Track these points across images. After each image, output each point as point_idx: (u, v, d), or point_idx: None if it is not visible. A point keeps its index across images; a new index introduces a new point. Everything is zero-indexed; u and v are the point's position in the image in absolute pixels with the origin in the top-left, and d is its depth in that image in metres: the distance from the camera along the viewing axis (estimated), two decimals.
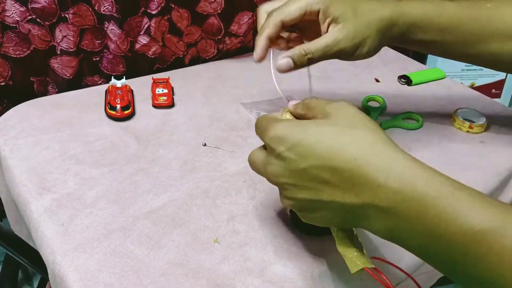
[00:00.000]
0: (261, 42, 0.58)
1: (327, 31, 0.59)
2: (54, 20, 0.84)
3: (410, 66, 1.06)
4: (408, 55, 1.12)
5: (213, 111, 0.86)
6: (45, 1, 0.81)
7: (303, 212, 0.46)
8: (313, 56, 0.58)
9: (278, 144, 0.42)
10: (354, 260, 0.45)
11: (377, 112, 0.87)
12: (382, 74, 1.02)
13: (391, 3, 0.62)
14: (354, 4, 0.59)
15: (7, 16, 0.81)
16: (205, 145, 0.77)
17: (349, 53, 0.60)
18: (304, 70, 0.63)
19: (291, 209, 0.63)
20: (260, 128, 0.46)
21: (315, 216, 0.45)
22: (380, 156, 0.40)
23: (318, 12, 0.58)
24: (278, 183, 0.45)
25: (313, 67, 0.63)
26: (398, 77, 1.00)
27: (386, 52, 1.12)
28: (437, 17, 0.63)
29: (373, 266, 0.45)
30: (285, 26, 0.59)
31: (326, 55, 0.58)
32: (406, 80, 0.99)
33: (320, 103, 0.45)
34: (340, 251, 0.47)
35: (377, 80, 1.00)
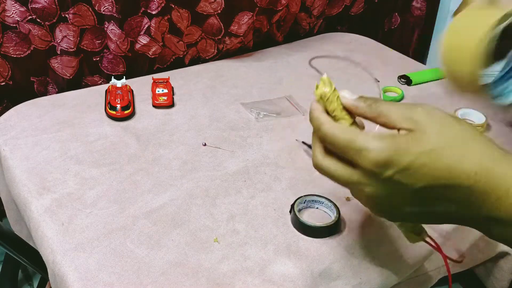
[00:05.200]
0: None
1: None
2: (54, 20, 0.84)
3: (410, 66, 1.06)
4: (408, 55, 1.12)
5: (213, 111, 0.86)
6: (45, 1, 0.81)
7: (403, 221, 0.47)
8: None
9: (384, 168, 0.39)
10: (409, 233, 0.50)
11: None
12: (382, 74, 1.02)
13: None
14: None
15: (7, 16, 0.81)
16: (205, 145, 0.77)
17: None
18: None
19: (291, 209, 0.64)
20: (340, 142, 0.41)
21: (417, 220, 0.45)
22: (498, 166, 0.38)
23: None
24: (375, 204, 0.42)
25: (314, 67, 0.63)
26: (398, 77, 1.00)
27: (386, 52, 1.12)
28: None
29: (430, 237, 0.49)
30: None
31: None
32: (406, 80, 0.99)
33: (399, 109, 0.41)
34: (398, 226, 0.50)
35: (376, 80, 1.00)
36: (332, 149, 0.42)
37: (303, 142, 0.76)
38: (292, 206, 0.63)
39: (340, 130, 0.42)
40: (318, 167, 0.44)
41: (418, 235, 0.49)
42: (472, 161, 0.38)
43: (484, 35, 0.52)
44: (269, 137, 0.80)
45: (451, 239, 0.71)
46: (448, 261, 0.50)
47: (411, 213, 0.41)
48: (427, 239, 0.49)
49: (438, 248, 0.48)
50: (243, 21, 0.98)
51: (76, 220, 0.62)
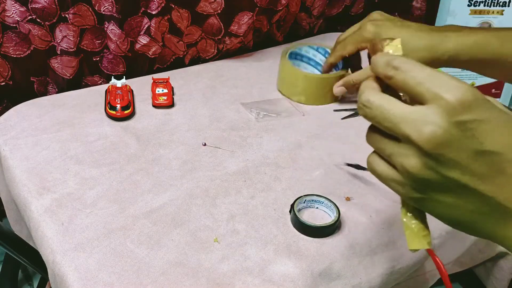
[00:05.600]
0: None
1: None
2: (54, 20, 0.84)
3: None
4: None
5: (213, 111, 0.86)
6: (45, 1, 0.81)
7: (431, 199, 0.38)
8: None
9: (465, 109, 0.34)
10: (414, 236, 0.42)
11: None
12: None
13: (432, 34, 0.65)
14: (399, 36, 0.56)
15: (7, 16, 0.81)
16: (205, 145, 0.77)
17: None
18: None
19: (291, 209, 0.64)
20: (420, 74, 0.35)
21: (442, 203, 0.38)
22: None
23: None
24: (435, 146, 0.34)
25: None
26: None
27: None
28: (480, 53, 0.64)
29: (430, 248, 0.42)
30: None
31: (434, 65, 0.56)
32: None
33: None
34: (404, 223, 0.43)
35: None
36: (400, 84, 0.36)
37: (348, 164, 0.75)
38: (292, 206, 0.63)
39: (419, 67, 0.36)
40: (370, 104, 0.36)
41: (424, 239, 0.44)
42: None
43: None
44: (269, 137, 0.80)
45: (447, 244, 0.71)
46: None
47: (456, 183, 0.35)
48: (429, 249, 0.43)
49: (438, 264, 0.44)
50: (243, 21, 0.98)
51: (76, 220, 0.62)
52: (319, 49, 0.94)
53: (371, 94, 0.37)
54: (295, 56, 0.94)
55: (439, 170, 0.35)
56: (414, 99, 0.35)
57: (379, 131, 0.37)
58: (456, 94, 0.33)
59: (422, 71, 0.35)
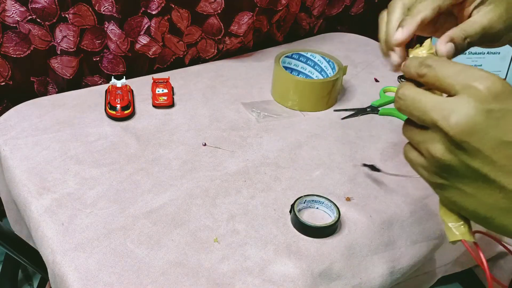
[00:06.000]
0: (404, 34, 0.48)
1: (470, 15, 0.51)
2: (54, 20, 0.84)
3: None
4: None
5: (213, 111, 0.86)
6: (45, 1, 0.81)
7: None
8: (472, 40, 0.50)
9: (494, 98, 0.35)
10: (453, 229, 0.43)
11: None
12: (382, 74, 1.02)
13: None
14: None
15: (7, 16, 0.81)
16: (205, 145, 0.77)
17: (499, 36, 0.52)
18: None
19: (291, 209, 0.64)
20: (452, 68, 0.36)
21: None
22: None
23: None
24: (465, 128, 0.35)
25: None
26: (398, 77, 1.00)
27: None
28: None
29: (474, 240, 0.42)
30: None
31: (482, 38, 0.51)
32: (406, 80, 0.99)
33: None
34: (442, 217, 0.44)
35: (376, 80, 1.00)
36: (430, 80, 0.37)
37: (365, 165, 0.74)
38: (292, 206, 0.63)
39: (449, 63, 0.37)
40: (405, 96, 0.39)
41: (466, 230, 0.43)
42: None
43: None
44: (269, 137, 0.80)
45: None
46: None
47: (477, 172, 0.36)
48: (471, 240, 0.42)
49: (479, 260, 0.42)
50: (243, 21, 0.98)
51: (76, 220, 0.62)
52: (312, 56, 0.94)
53: (406, 88, 0.39)
54: (298, 57, 0.94)
55: (461, 157, 0.36)
56: (446, 94, 0.37)
57: (412, 123, 0.39)
58: (485, 84, 0.34)
59: (453, 66, 0.37)
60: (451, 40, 0.47)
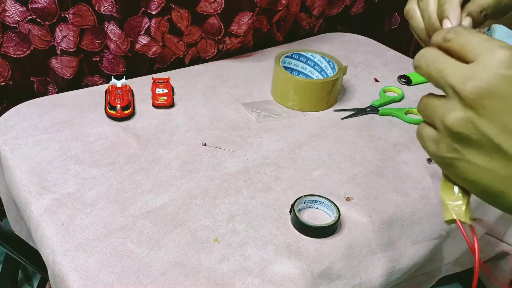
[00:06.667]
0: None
1: None
2: (54, 20, 0.84)
3: (410, 66, 1.06)
4: (408, 55, 1.12)
5: (213, 111, 0.86)
6: (45, 1, 0.81)
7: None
8: (487, 12, 0.50)
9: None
10: (450, 208, 0.41)
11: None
12: (382, 74, 1.02)
13: None
14: None
15: (7, 16, 0.81)
16: (205, 145, 0.77)
17: (509, 8, 0.51)
18: None
19: (291, 209, 0.64)
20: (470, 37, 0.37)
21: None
22: None
23: None
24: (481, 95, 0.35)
25: None
26: (398, 77, 1.00)
27: (386, 52, 1.12)
28: None
29: (470, 223, 0.41)
30: None
31: (495, 10, 0.50)
32: (406, 80, 0.99)
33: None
34: (442, 196, 0.42)
35: (376, 80, 1.00)
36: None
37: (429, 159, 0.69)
38: (292, 206, 0.63)
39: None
40: (426, 56, 0.39)
41: (464, 211, 0.42)
42: None
43: None
44: (269, 137, 0.80)
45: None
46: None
47: (491, 142, 0.35)
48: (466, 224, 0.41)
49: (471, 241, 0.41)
50: (243, 21, 0.98)
51: (76, 220, 0.62)
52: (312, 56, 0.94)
53: (429, 49, 0.39)
54: (298, 57, 0.94)
55: (476, 123, 0.35)
56: (468, 61, 0.36)
57: (430, 96, 0.39)
58: (507, 50, 0.34)
59: (479, 35, 0.37)
60: (469, 15, 0.48)
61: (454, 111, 0.36)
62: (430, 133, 0.39)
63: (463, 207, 0.41)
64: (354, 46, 1.13)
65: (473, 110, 0.35)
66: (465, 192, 0.41)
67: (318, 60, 0.93)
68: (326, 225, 0.61)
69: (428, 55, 0.38)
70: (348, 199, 0.68)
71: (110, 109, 0.81)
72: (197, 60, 1.03)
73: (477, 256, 0.39)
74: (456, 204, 0.41)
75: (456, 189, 0.42)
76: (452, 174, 0.40)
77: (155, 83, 0.89)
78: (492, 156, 0.36)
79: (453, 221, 0.41)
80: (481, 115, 0.35)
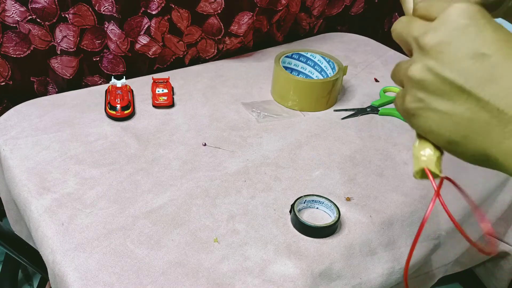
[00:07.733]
0: None
1: None
2: (54, 20, 0.84)
3: None
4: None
5: (213, 111, 0.86)
6: (45, 1, 0.81)
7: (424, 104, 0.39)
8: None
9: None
10: (419, 158, 0.41)
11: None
12: (382, 74, 1.02)
13: None
14: None
15: (7, 16, 0.81)
16: (205, 145, 0.77)
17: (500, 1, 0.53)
18: None
19: (291, 209, 0.64)
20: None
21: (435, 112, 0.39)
22: None
23: None
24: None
25: None
26: None
27: (386, 52, 1.12)
28: None
29: (440, 174, 0.41)
30: None
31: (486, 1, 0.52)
32: None
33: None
34: (413, 151, 0.42)
35: (376, 80, 1.00)
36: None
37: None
38: (292, 206, 0.63)
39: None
40: (400, 21, 0.42)
41: (434, 161, 0.41)
42: None
43: None
44: (269, 137, 0.80)
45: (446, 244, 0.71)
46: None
47: (453, 85, 0.37)
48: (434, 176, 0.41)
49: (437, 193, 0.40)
50: (243, 21, 0.98)
51: (76, 220, 0.62)
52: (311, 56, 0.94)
53: (404, 16, 0.43)
54: (298, 57, 0.94)
55: (437, 70, 0.37)
56: (433, 20, 0.39)
57: (398, 63, 0.42)
58: (461, 4, 0.37)
59: (440, 1, 0.40)
60: None
61: (416, 63, 0.39)
62: (400, 92, 0.42)
63: (434, 158, 0.41)
64: (354, 46, 1.13)
65: (433, 58, 0.37)
66: (437, 148, 0.41)
67: (318, 60, 0.93)
68: (326, 225, 0.61)
69: (402, 19, 0.42)
70: (348, 199, 0.68)
71: (110, 109, 0.81)
72: (197, 60, 1.03)
73: (447, 210, 0.39)
74: (427, 155, 0.41)
75: (428, 145, 0.42)
76: (418, 127, 0.41)
77: (155, 83, 0.89)
78: (454, 100, 0.37)
79: (422, 171, 0.41)
80: (440, 61, 0.37)
